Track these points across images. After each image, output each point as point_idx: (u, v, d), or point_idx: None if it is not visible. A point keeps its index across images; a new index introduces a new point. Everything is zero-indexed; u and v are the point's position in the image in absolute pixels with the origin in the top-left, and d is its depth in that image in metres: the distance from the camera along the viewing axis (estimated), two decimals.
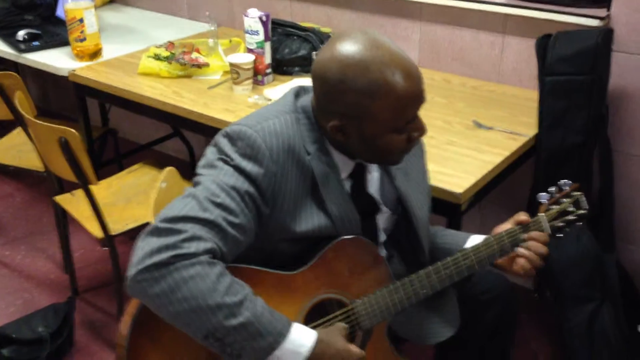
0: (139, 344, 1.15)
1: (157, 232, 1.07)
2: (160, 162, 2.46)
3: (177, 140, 3.07)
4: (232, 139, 1.17)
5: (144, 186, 2.31)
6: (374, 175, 1.35)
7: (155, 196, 1.52)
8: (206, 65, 2.32)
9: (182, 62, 2.30)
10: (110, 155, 2.88)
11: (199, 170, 1.19)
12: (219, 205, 1.10)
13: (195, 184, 1.16)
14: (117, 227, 2.04)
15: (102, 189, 2.20)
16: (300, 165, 1.20)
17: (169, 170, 1.59)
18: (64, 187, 2.30)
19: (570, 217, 1.36)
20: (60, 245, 2.47)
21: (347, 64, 1.12)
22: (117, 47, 2.59)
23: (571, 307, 1.99)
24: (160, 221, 1.08)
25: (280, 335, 1.09)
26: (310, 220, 1.22)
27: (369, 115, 1.14)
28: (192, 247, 1.05)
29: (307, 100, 1.25)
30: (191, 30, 2.81)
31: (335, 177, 1.24)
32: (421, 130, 1.22)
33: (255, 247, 1.19)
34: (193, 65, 2.31)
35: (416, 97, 1.17)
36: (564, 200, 1.37)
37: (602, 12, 1.93)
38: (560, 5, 2.00)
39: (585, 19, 1.95)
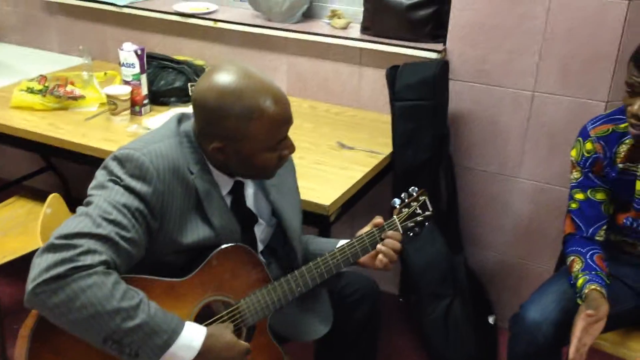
0: (38, 355, 1.21)
1: (54, 248, 1.16)
2: (35, 195, 2.47)
3: (50, 174, 3.05)
4: (120, 161, 1.29)
5: (20, 218, 2.31)
6: (249, 192, 1.52)
7: (40, 222, 1.58)
8: (82, 97, 2.39)
9: (57, 94, 2.35)
10: None
11: (90, 191, 1.29)
12: (112, 222, 1.21)
13: (87, 204, 1.26)
14: None
15: None
16: (184, 183, 1.34)
17: (54, 196, 1.66)
18: None
19: (419, 218, 1.61)
20: None
21: (223, 92, 1.29)
22: None
23: (429, 303, 2.26)
24: (55, 238, 1.17)
25: (174, 332, 1.21)
26: (196, 232, 1.36)
27: (245, 137, 1.31)
28: (88, 259, 1.15)
29: (188, 125, 1.40)
30: (62, 64, 2.84)
31: (217, 193, 1.40)
32: (291, 148, 1.41)
33: (145, 260, 1.30)
34: (69, 97, 2.36)
35: (285, 118, 1.35)
36: (413, 203, 1.61)
37: (439, 47, 2.26)
38: (406, 40, 2.31)
39: (426, 52, 2.27)
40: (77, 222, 1.20)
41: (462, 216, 2.39)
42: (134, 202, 1.26)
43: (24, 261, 2.13)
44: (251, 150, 1.33)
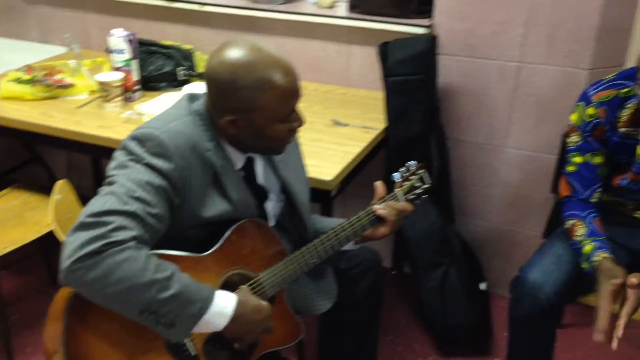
0: (75, 334, 1.23)
1: (85, 226, 1.18)
2: (28, 187, 2.46)
3: (33, 168, 3.01)
4: (140, 140, 1.31)
5: (16, 209, 2.30)
6: (259, 168, 1.55)
7: (52, 208, 1.59)
8: (71, 86, 2.37)
9: (47, 83, 2.34)
10: None
11: (111, 172, 1.30)
12: (137, 199, 1.24)
13: (110, 184, 1.27)
14: None
15: None
16: (202, 160, 1.36)
17: (63, 182, 1.67)
18: None
19: (419, 191, 1.66)
20: None
21: (236, 65, 1.32)
22: None
23: (426, 272, 2.33)
24: (85, 217, 1.19)
25: (207, 300, 1.25)
26: (215, 206, 1.39)
27: (257, 108, 1.34)
28: (120, 235, 1.18)
29: (199, 104, 1.43)
30: (45, 54, 2.80)
31: (231, 168, 1.43)
32: (300, 121, 1.44)
33: (168, 236, 1.33)
34: (58, 86, 2.35)
35: (295, 90, 1.39)
36: (412, 177, 1.67)
37: (426, 22, 2.31)
38: (393, 17, 2.36)
39: (414, 28, 2.31)
40: (104, 200, 1.22)
41: (453, 187, 2.46)
42: (157, 180, 1.28)
43: (20, 252, 2.14)
44: (263, 122, 1.37)
